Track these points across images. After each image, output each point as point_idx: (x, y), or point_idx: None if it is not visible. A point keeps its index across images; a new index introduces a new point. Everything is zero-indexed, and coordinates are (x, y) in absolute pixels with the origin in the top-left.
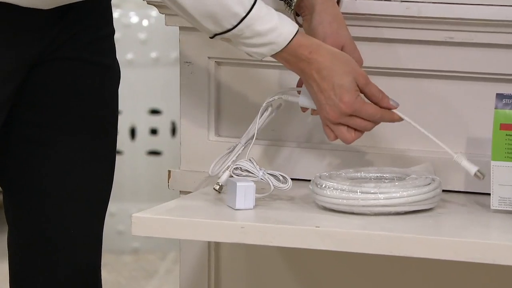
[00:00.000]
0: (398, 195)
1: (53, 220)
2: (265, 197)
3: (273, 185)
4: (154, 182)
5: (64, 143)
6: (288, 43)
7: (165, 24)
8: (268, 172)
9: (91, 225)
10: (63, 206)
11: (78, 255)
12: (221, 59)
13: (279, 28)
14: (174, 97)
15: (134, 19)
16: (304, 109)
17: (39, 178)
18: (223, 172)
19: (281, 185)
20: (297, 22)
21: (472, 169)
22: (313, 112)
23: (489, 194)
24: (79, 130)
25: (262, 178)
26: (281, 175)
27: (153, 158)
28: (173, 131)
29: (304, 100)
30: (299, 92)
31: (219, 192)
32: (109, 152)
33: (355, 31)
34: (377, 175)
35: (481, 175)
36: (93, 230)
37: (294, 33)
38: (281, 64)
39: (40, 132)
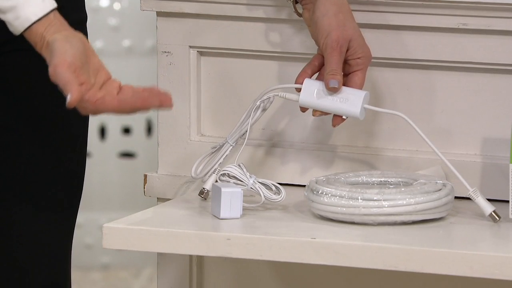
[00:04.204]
0: (404, 202)
1: (13, 233)
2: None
3: (264, 196)
4: (128, 189)
5: (26, 147)
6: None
7: (141, 9)
8: (259, 181)
9: (57, 239)
10: (24, 216)
11: (42, 274)
12: (205, 48)
13: (19, 8)
14: None
15: (104, 2)
16: (303, 109)
17: None
18: (209, 176)
19: (273, 196)
20: (295, 11)
21: (488, 208)
22: (315, 112)
23: (507, 201)
24: (43, 132)
25: (252, 187)
26: (274, 185)
27: (126, 161)
28: (149, 130)
29: (305, 99)
30: (297, 90)
31: (205, 199)
32: (80, 156)
33: (357, 17)
34: (381, 179)
35: (497, 217)
36: (60, 245)
37: (32, 22)
38: (278, 55)
39: None
